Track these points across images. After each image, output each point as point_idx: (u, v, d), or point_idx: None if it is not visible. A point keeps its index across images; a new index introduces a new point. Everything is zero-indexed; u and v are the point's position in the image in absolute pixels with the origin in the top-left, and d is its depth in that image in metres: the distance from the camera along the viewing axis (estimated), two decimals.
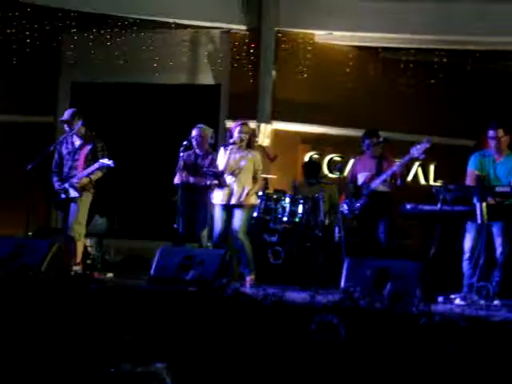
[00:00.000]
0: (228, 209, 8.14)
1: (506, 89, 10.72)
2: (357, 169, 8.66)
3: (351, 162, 10.44)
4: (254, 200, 8.34)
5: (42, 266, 6.75)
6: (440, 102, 11.02)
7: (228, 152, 8.15)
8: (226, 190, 8.13)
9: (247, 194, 8.11)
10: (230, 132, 8.36)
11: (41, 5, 10.56)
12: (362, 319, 5.29)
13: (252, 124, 10.82)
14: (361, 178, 8.52)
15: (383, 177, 8.28)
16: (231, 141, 8.16)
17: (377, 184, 8.29)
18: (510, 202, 7.01)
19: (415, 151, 8.07)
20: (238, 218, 8.09)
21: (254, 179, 8.24)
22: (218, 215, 8.16)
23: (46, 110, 11.60)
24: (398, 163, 8.28)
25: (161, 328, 5.61)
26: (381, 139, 8.46)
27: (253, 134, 8.49)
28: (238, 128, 8.19)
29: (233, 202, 8.09)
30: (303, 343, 5.21)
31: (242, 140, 8.14)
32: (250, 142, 8.28)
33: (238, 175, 8.13)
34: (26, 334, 5.34)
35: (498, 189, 6.98)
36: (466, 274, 7.30)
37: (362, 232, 8.49)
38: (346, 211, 8.51)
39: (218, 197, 8.20)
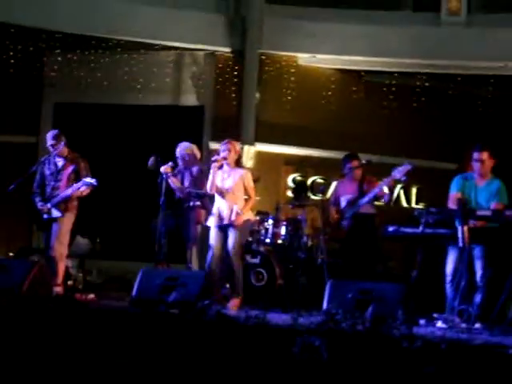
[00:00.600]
0: (222, 230, 8.04)
1: (486, 113, 10.82)
2: (339, 192, 8.68)
3: (334, 184, 10.52)
4: (247, 217, 8.13)
5: (22, 287, 6.70)
6: (422, 126, 11.11)
7: (214, 172, 8.05)
8: (216, 212, 8.06)
9: (237, 214, 7.98)
10: (217, 152, 8.30)
11: (24, 25, 10.56)
12: (345, 341, 5.29)
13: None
14: (343, 201, 8.54)
15: (365, 199, 8.31)
16: (216, 159, 8.06)
17: (360, 206, 8.32)
18: (490, 226, 7.04)
19: (397, 173, 8.12)
20: (231, 238, 7.98)
21: (247, 197, 8.14)
22: (213, 237, 8.08)
23: (29, 130, 11.58)
24: (379, 185, 8.31)
25: (143, 350, 5.59)
26: (360, 163, 8.49)
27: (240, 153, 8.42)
28: (223, 146, 8.14)
29: (225, 222, 8.00)
30: (286, 365, 5.20)
31: (226, 158, 8.06)
32: (238, 161, 8.21)
33: (226, 195, 8.05)
34: (7, 355, 5.31)
35: (479, 212, 7.01)
36: (448, 297, 7.31)
37: (345, 254, 8.49)
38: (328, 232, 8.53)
39: (211, 219, 8.13)
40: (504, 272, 7.78)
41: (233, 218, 7.97)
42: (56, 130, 8.47)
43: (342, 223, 8.41)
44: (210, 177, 8.06)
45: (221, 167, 8.10)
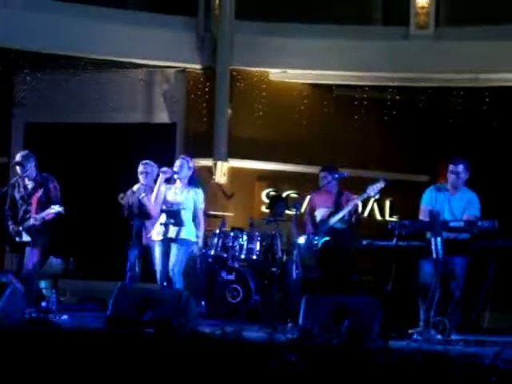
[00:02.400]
0: (165, 245, 7.86)
1: (457, 125, 10.90)
2: (314, 204, 8.68)
3: (307, 198, 10.53)
4: (191, 237, 7.99)
5: None
6: (394, 139, 11.17)
7: (161, 184, 7.88)
8: (162, 227, 7.86)
9: (184, 232, 7.84)
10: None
11: None
12: (321, 356, 5.28)
13: (208, 162, 10.88)
14: (318, 214, 8.54)
15: (341, 214, 8.32)
16: (166, 170, 7.89)
17: (335, 220, 8.33)
18: (463, 237, 7.08)
19: (371, 191, 8.19)
20: (173, 255, 7.83)
21: (195, 218, 7.98)
22: (158, 252, 7.92)
23: (0, 150, 11.50)
24: (354, 201, 8.34)
25: (118, 370, 5.54)
26: (338, 175, 8.51)
27: (195, 170, 8.21)
28: (177, 162, 8.01)
29: (170, 235, 7.79)
30: (262, 382, 5.18)
31: (177, 173, 7.90)
32: (192, 178, 8.05)
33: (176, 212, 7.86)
34: None
35: (452, 224, 7.04)
36: (421, 310, 7.33)
37: (320, 268, 8.49)
38: (304, 247, 8.52)
39: (155, 233, 7.98)
40: (478, 283, 7.83)
41: (180, 235, 7.81)
42: (25, 151, 8.38)
43: (316, 237, 8.41)
44: (156, 188, 7.91)
45: (174, 182, 7.96)
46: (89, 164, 11.31)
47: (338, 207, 8.39)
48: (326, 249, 8.37)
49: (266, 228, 9.37)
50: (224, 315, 8.65)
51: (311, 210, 8.68)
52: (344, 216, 8.35)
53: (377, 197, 8.25)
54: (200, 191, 8.06)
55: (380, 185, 8.15)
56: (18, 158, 8.28)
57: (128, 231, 8.35)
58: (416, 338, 7.02)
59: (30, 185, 8.23)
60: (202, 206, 8.05)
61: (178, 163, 7.99)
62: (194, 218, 8.01)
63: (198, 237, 8.09)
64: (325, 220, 8.41)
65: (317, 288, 8.21)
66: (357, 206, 8.41)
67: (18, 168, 8.28)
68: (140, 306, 6.64)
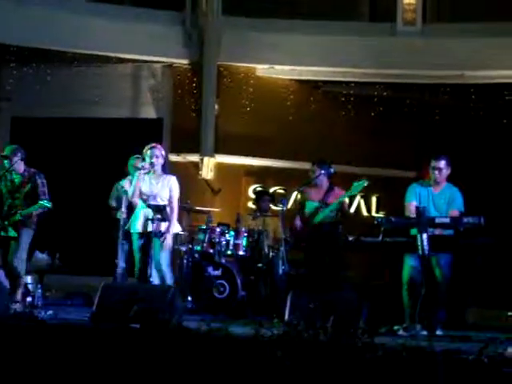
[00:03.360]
0: (145, 237, 7.72)
1: (443, 122, 10.94)
2: (304, 199, 8.70)
3: (294, 194, 10.54)
4: (176, 229, 7.87)
5: None
6: (380, 135, 11.19)
7: (140, 179, 7.75)
8: (141, 218, 7.73)
9: (164, 225, 7.66)
10: (141, 157, 7.98)
11: None
12: (307, 352, 5.29)
13: (195, 157, 10.87)
14: (308, 207, 8.56)
15: (327, 209, 8.34)
16: (143, 166, 7.74)
17: (322, 216, 8.35)
18: (449, 233, 7.11)
19: (353, 190, 8.27)
20: (157, 248, 7.68)
21: (170, 207, 7.77)
22: (138, 245, 7.78)
23: None
24: (338, 199, 8.36)
25: (104, 365, 5.53)
26: (331, 170, 8.54)
27: (166, 157, 7.98)
28: (149, 152, 7.79)
29: (149, 229, 7.63)
30: (248, 377, 5.19)
31: (153, 165, 7.76)
32: (164, 166, 7.87)
33: (152, 201, 7.72)
34: None
35: (437, 220, 7.06)
36: (406, 305, 7.36)
37: (307, 264, 8.50)
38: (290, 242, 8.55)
39: (134, 225, 7.82)
40: (463, 279, 7.87)
41: (163, 229, 7.67)
42: (15, 145, 8.32)
43: (305, 231, 8.43)
44: (134, 183, 7.78)
45: (147, 172, 7.81)
46: (75, 159, 11.27)
47: (326, 202, 8.41)
48: (314, 243, 8.37)
49: (252, 224, 9.38)
50: (210, 311, 8.65)
51: (301, 203, 8.68)
52: (329, 213, 8.36)
53: (359, 195, 8.28)
54: (174, 178, 7.88)
55: (361, 184, 8.21)
56: (5, 151, 8.22)
57: (116, 225, 8.29)
58: (401, 333, 7.06)
59: (17, 179, 8.19)
60: (177, 193, 7.85)
61: (149, 153, 7.77)
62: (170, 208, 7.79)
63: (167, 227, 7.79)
64: (313, 214, 8.42)
65: (303, 283, 8.23)
66: (343, 202, 8.43)
67: (5, 162, 8.23)
68: (126, 301, 6.63)
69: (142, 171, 7.75)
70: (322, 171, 8.49)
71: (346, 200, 8.60)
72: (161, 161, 7.82)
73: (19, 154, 8.14)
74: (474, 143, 10.80)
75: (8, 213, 8.12)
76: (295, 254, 9.11)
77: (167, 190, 7.80)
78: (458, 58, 10.59)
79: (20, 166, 8.18)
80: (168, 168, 7.97)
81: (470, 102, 10.93)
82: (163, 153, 7.90)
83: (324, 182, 8.56)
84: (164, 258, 7.73)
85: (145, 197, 7.78)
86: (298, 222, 8.61)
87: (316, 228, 8.39)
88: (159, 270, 7.72)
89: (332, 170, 8.53)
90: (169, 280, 7.76)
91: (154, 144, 7.92)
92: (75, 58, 10.96)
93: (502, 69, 10.59)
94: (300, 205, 8.72)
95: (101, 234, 9.37)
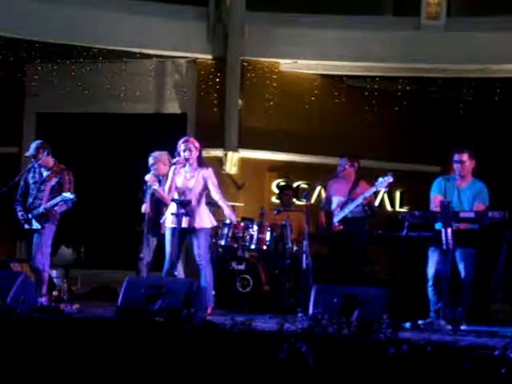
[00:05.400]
0: (182, 233, 7.69)
1: (468, 116, 10.87)
2: (331, 192, 8.70)
3: (318, 188, 10.55)
4: (206, 225, 7.81)
5: (6, 299, 6.66)
6: (405, 129, 11.15)
7: (175, 174, 7.69)
8: (174, 217, 7.65)
9: (198, 221, 7.68)
10: (176, 151, 7.84)
11: (4, 36, 10.54)
12: (331, 346, 5.29)
13: (219, 152, 10.89)
14: (334, 202, 8.55)
15: (352, 205, 8.32)
16: (178, 161, 7.69)
17: (348, 211, 8.33)
18: (473, 228, 7.08)
19: (379, 185, 8.24)
20: (195, 246, 7.70)
21: (214, 197, 7.75)
22: (169, 240, 7.71)
23: (11, 140, 11.55)
24: (363, 194, 8.34)
25: (129, 359, 5.58)
26: (356, 165, 8.55)
27: (200, 150, 7.85)
28: (183, 146, 7.73)
29: (183, 226, 7.60)
30: (272, 371, 5.20)
31: (188, 160, 7.71)
32: (199, 158, 7.79)
33: (189, 196, 7.69)
34: None
35: (462, 214, 7.04)
36: (431, 300, 7.34)
37: (332, 257, 8.48)
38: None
39: (169, 220, 7.77)
40: (488, 273, 7.83)
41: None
42: (40, 141, 8.37)
43: (332, 224, 8.42)
44: (169, 179, 7.72)
45: (183, 166, 7.75)
46: (99, 154, 11.33)
47: (351, 197, 8.39)
48: (340, 238, 8.37)
49: (276, 218, 9.38)
50: (234, 305, 8.68)
51: (328, 196, 8.67)
52: (356, 208, 8.35)
53: (386, 190, 8.25)
54: (210, 169, 7.82)
55: (388, 179, 8.18)
56: (30, 150, 8.26)
57: (142, 220, 8.30)
58: (426, 328, 7.04)
59: (45, 172, 8.25)
60: (215, 180, 7.79)
61: (183, 147, 7.72)
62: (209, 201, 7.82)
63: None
64: (339, 209, 8.41)
65: (327, 278, 8.23)
66: (369, 198, 8.41)
67: (29, 156, 8.29)
68: (150, 295, 6.66)
69: (179, 165, 7.73)
70: (351, 165, 8.49)
71: (372, 196, 8.58)
72: (196, 153, 7.77)
73: (45, 150, 8.21)
74: (498, 137, 10.73)
75: (32, 205, 8.19)
76: (319, 248, 9.13)
77: (202, 183, 7.73)
78: (482, 52, 10.51)
79: (49, 161, 8.25)
80: (203, 160, 7.88)
81: (494, 96, 10.85)
82: (197, 145, 7.80)
83: (352, 175, 8.55)
84: (203, 254, 7.72)
85: (181, 191, 7.74)
86: (322, 218, 8.63)
87: (343, 223, 8.38)
88: (200, 265, 7.71)
89: (359, 165, 8.55)
90: (208, 276, 7.72)
91: (186, 137, 7.91)
92: (99, 53, 11.00)
93: None
94: (326, 200, 8.71)
95: (126, 229, 9.42)
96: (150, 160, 8.41)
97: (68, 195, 7.96)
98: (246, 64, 11.12)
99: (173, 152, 7.94)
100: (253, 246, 9.14)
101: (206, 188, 7.78)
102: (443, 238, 6.80)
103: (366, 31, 10.77)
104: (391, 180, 8.19)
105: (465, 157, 7.52)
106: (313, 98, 11.18)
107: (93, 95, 11.26)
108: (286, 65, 11.25)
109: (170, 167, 7.93)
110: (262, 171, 11.25)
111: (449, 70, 10.86)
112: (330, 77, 11.26)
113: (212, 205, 8.25)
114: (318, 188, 10.72)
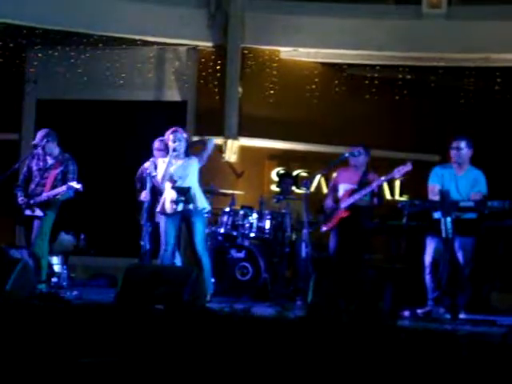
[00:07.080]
0: (175, 219, 7.82)
1: (468, 105, 10.86)
2: (339, 179, 8.66)
3: (318, 176, 10.53)
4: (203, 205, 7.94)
5: (6, 285, 6.67)
6: (405, 118, 11.13)
7: (165, 162, 7.83)
8: (168, 200, 7.81)
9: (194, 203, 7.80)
10: (165, 142, 8.03)
11: (4, 22, 10.52)
12: (330, 334, 5.30)
13: (219, 140, 10.89)
14: (341, 189, 8.52)
15: (362, 192, 8.28)
16: (173, 148, 7.82)
17: (356, 199, 8.30)
18: (472, 217, 7.08)
19: (396, 173, 8.17)
20: (193, 230, 7.80)
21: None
22: (166, 227, 7.83)
23: (11, 127, 11.53)
24: (376, 182, 8.29)
25: (128, 346, 5.58)
26: (368, 154, 8.55)
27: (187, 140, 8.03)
28: (172, 136, 7.86)
29: (179, 209, 7.75)
30: (271, 358, 5.21)
31: (175, 150, 7.82)
32: (186, 149, 7.92)
33: (180, 184, 7.83)
34: None
35: (462, 203, 7.04)
36: (429, 289, 7.35)
37: (333, 246, 8.47)
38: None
39: (167, 206, 7.86)
40: (487, 262, 7.85)
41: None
42: (47, 129, 8.34)
43: (338, 209, 8.40)
44: (161, 169, 7.85)
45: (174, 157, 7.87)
46: (100, 141, 11.32)
47: (361, 185, 8.35)
48: (344, 224, 8.34)
49: (275, 206, 9.39)
50: (233, 293, 8.70)
51: (335, 184, 8.65)
52: (364, 196, 8.30)
53: (401, 179, 8.20)
54: (195, 159, 7.94)
55: (406, 168, 8.11)
56: (36, 138, 8.25)
57: (140, 207, 8.32)
58: (424, 316, 7.06)
59: (50, 161, 8.25)
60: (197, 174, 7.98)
61: (171, 137, 7.85)
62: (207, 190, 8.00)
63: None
64: (347, 196, 8.36)
65: (327, 266, 8.24)
66: (380, 186, 8.37)
67: (35, 145, 8.26)
68: (150, 282, 6.68)
69: (174, 154, 7.81)
70: (367, 153, 8.47)
71: (384, 185, 8.52)
72: (185, 144, 7.90)
73: (48, 137, 8.20)
74: (498, 126, 10.72)
75: (33, 192, 8.18)
76: (318, 236, 9.13)
77: (193, 171, 7.88)
78: (484, 41, 10.50)
79: (54, 150, 8.25)
80: (189, 151, 8.00)
81: (495, 85, 10.83)
82: (185, 136, 7.97)
83: (364, 164, 8.50)
84: (200, 239, 7.79)
85: (174, 179, 7.84)
86: (329, 202, 8.54)
87: (349, 210, 8.35)
88: (196, 253, 7.77)
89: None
90: (206, 263, 7.79)
91: (174, 128, 7.97)
92: (100, 40, 10.98)
93: None
94: (333, 187, 8.66)
95: (125, 216, 9.42)
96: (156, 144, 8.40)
97: (74, 185, 7.95)
98: (246, 52, 11.11)
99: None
100: (252, 234, 9.15)
101: (196, 175, 7.89)
102: (442, 227, 6.80)
103: (366, 19, 10.75)
104: (409, 169, 8.12)
105: (462, 144, 7.52)
106: (313, 86, 11.16)
107: (93, 82, 11.24)
108: (286, 53, 11.23)
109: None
110: (261, 159, 11.25)
111: (450, 59, 10.84)
112: (330, 65, 11.24)
113: (210, 193, 8.25)
114: (318, 176, 10.71)
